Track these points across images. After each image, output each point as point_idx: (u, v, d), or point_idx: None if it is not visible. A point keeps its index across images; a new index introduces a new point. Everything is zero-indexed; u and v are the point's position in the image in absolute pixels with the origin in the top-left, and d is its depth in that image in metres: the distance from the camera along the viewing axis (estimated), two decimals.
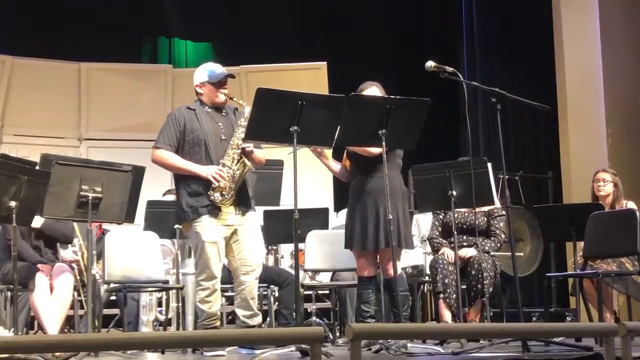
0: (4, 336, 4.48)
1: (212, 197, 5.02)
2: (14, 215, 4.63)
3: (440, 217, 6.15)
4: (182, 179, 5.15)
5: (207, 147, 5.11)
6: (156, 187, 7.52)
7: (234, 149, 5.08)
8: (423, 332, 4.29)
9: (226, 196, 5.03)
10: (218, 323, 5.20)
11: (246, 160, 5.07)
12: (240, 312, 5.20)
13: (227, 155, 5.08)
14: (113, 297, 6.66)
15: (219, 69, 5.28)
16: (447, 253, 5.87)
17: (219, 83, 5.22)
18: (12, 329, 4.94)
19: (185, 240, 6.89)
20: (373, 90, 5.27)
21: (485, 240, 6.01)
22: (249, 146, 5.08)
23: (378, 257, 5.21)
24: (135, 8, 10.13)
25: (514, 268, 4.75)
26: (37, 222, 5.44)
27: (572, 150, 8.39)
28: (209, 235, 5.05)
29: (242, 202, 5.15)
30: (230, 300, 6.26)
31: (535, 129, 9.26)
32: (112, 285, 6.02)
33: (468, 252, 5.89)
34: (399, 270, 5.18)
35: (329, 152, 5.40)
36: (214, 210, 5.05)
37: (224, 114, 5.26)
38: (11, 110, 9.49)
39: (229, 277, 5.36)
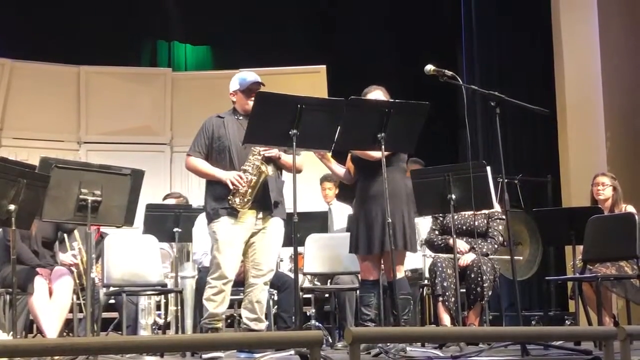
0: (3, 340, 4.48)
1: (231, 201, 5.13)
2: (13, 218, 4.63)
3: (439, 220, 6.16)
4: (209, 183, 5.32)
5: (230, 154, 5.23)
6: (156, 190, 7.53)
7: (255, 155, 5.17)
8: (422, 335, 4.30)
9: (243, 201, 5.13)
10: (220, 325, 5.24)
11: (262, 167, 5.13)
12: (244, 314, 5.25)
13: (248, 162, 5.18)
14: (112, 301, 6.66)
15: (250, 76, 5.36)
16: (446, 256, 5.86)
17: (248, 90, 5.28)
18: (11, 333, 4.93)
19: (183, 244, 6.90)
20: (377, 94, 5.28)
21: (483, 243, 6.02)
22: (272, 152, 5.15)
23: (382, 260, 5.21)
24: (134, 11, 10.14)
25: (513, 271, 4.75)
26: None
27: (571, 154, 8.39)
28: (225, 235, 5.14)
29: (264, 207, 5.22)
30: (230, 304, 6.25)
31: (535, 133, 9.27)
32: (111, 288, 6.03)
33: (467, 259, 5.89)
34: (403, 274, 5.19)
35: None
36: (234, 212, 5.16)
37: None
38: (10, 113, 9.49)
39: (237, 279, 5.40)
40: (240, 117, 5.31)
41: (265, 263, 5.25)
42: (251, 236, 5.22)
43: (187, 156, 5.37)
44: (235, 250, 5.15)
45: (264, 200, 5.21)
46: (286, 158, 5.22)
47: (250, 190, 5.12)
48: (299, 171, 5.24)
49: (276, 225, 5.29)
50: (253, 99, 5.20)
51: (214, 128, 5.31)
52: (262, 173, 5.14)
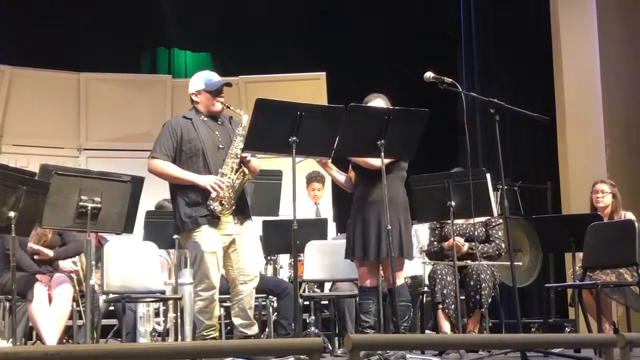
0: (3, 347, 4.48)
1: (211, 207, 4.98)
2: (13, 225, 4.63)
3: (437, 232, 6.14)
4: (179, 188, 5.10)
5: (205, 157, 5.07)
6: (156, 197, 7.52)
7: (232, 158, 5.06)
8: (422, 342, 4.29)
9: (226, 206, 5.00)
10: (217, 334, 5.16)
11: (246, 170, 5.06)
12: (237, 322, 5.17)
13: (226, 165, 5.05)
14: (111, 308, 6.64)
15: (215, 77, 5.26)
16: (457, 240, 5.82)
17: (215, 91, 5.18)
18: (11, 340, 4.93)
19: (181, 251, 6.89)
20: (378, 102, 5.28)
21: (487, 246, 6.02)
22: (248, 155, 5.07)
23: (381, 267, 5.21)
24: (134, 18, 10.15)
25: (513, 278, 4.75)
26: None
27: (571, 161, 8.40)
28: (209, 245, 5.02)
29: (241, 211, 5.13)
30: (228, 311, 6.25)
31: (534, 140, 9.27)
32: (110, 295, 6.02)
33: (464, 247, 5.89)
34: (402, 281, 5.19)
35: None
36: (213, 220, 5.01)
37: (219, 122, 5.23)
38: (10, 120, 9.49)
39: (226, 287, 5.34)
40: (205, 119, 5.18)
41: (251, 267, 5.16)
42: (231, 242, 5.10)
43: (150, 159, 5.09)
44: (219, 259, 5.05)
45: (241, 205, 5.11)
46: (253, 161, 5.14)
47: (233, 195, 5.02)
48: (256, 173, 5.21)
49: (251, 228, 5.22)
50: (220, 99, 5.17)
51: (183, 130, 5.10)
52: (246, 176, 5.06)
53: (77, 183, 4.88)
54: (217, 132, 5.16)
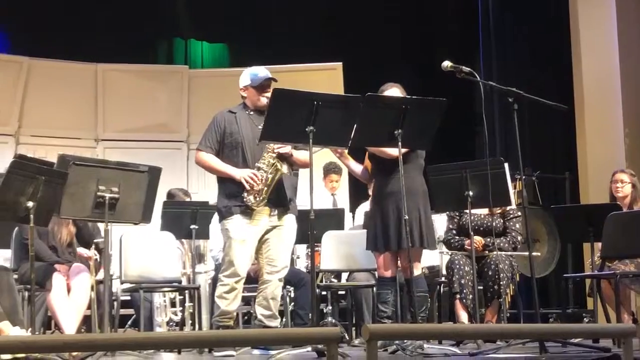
0: (22, 336, 4.51)
1: (245, 199, 5.12)
2: (31, 215, 4.65)
3: (455, 219, 6.13)
4: (220, 180, 5.30)
5: (244, 150, 5.21)
6: (173, 187, 7.54)
7: (269, 153, 5.16)
8: (439, 332, 4.28)
9: (259, 199, 5.11)
10: (231, 322, 5.23)
11: (278, 165, 5.12)
12: (259, 311, 5.24)
13: (263, 159, 5.16)
14: (127, 297, 6.66)
15: (261, 72, 5.35)
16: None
17: (261, 87, 5.29)
18: (30, 329, 4.96)
19: (199, 241, 6.91)
20: (394, 91, 5.27)
21: (502, 239, 5.99)
22: (285, 149, 5.13)
23: (399, 257, 5.20)
24: (151, 9, 10.15)
25: (531, 269, 4.73)
26: None
27: (590, 151, 8.34)
28: (238, 233, 5.13)
29: (279, 204, 5.22)
30: (245, 301, 6.27)
31: (552, 129, 9.21)
32: (128, 285, 6.04)
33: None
34: (420, 271, 5.18)
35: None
36: (247, 210, 5.15)
37: None
38: (28, 111, 9.53)
39: (249, 277, 5.40)
40: (252, 113, 5.30)
41: (280, 259, 5.25)
42: (265, 233, 5.21)
43: (197, 151, 5.35)
44: (247, 249, 5.15)
45: (279, 198, 5.20)
46: (297, 155, 5.20)
47: (265, 189, 5.12)
48: (306, 165, 5.23)
49: (290, 222, 5.29)
50: (266, 94, 5.22)
51: (226, 123, 5.28)
52: (278, 171, 5.14)
53: (95, 173, 4.89)
54: (259, 127, 5.18)
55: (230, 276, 5.13)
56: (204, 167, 5.36)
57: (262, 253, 5.24)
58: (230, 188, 5.19)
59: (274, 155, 5.15)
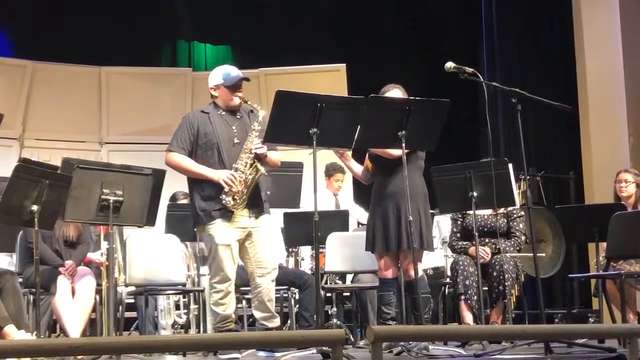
0: (27, 339, 4.51)
1: (224, 201, 5.03)
2: (36, 219, 4.66)
3: (459, 222, 6.11)
4: (195, 182, 5.16)
5: (219, 151, 5.11)
6: (177, 190, 7.54)
7: (247, 153, 5.09)
8: (444, 334, 4.28)
9: (238, 200, 5.05)
10: (233, 325, 5.20)
11: (259, 165, 5.07)
12: (257, 315, 5.20)
13: (240, 160, 5.08)
14: (131, 300, 6.66)
15: (234, 71, 5.27)
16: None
17: (233, 86, 5.20)
18: (35, 332, 4.96)
19: (201, 243, 6.91)
20: (395, 92, 5.27)
21: (506, 242, 5.98)
22: (261, 150, 5.08)
23: (399, 258, 5.19)
24: (154, 12, 10.17)
25: (536, 269, 4.72)
26: None
27: (594, 151, 8.33)
28: (222, 238, 5.07)
29: (255, 205, 5.16)
30: (250, 303, 6.27)
31: (557, 130, 9.20)
32: (133, 288, 6.04)
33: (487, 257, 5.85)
34: (420, 272, 5.17)
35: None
36: (227, 213, 5.06)
37: (238, 117, 5.25)
38: (32, 114, 9.55)
39: (247, 279, 5.37)
40: (224, 113, 5.21)
41: (268, 261, 5.18)
42: (247, 236, 5.15)
43: (167, 152, 5.18)
44: (233, 252, 5.10)
45: (255, 199, 5.14)
46: (271, 155, 5.16)
47: (245, 190, 5.05)
48: (277, 166, 5.25)
49: (268, 223, 5.23)
50: (238, 94, 5.18)
51: (199, 124, 5.15)
52: (258, 172, 5.07)
53: (99, 176, 4.89)
54: (234, 127, 5.18)
55: (222, 282, 5.08)
56: (175, 168, 5.17)
57: (249, 258, 5.17)
58: (207, 190, 5.07)
59: (252, 155, 5.08)
